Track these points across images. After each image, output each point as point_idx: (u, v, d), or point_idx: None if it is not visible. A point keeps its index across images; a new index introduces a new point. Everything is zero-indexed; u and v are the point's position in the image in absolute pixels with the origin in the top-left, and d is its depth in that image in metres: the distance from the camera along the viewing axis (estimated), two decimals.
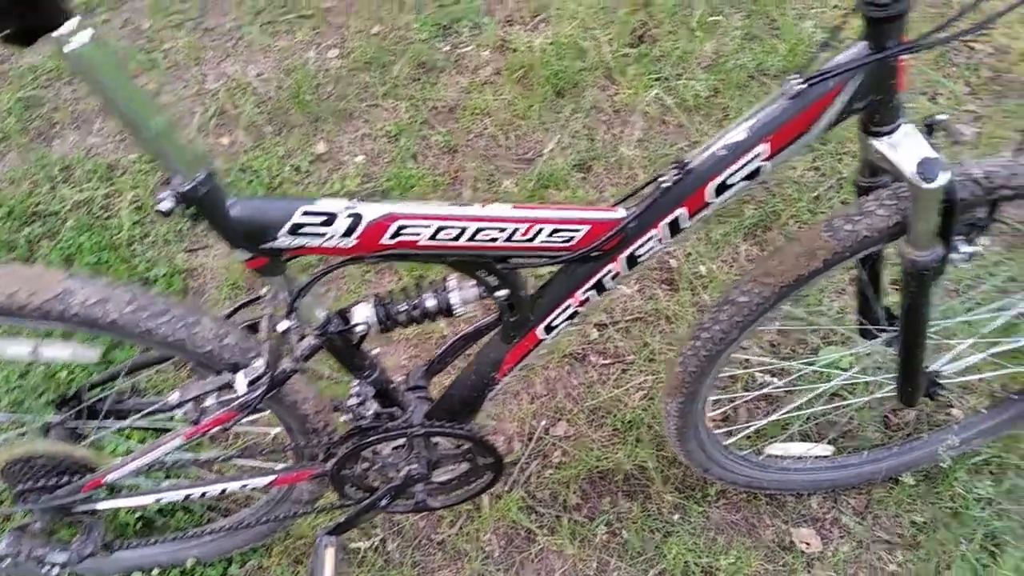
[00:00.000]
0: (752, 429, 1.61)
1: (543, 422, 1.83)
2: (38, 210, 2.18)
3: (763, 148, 0.97)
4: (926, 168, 0.94)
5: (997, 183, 1.02)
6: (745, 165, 0.98)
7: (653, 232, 1.05)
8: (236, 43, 2.73)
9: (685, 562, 1.61)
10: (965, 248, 1.08)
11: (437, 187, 2.17)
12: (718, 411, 1.72)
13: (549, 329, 1.18)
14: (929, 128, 1.01)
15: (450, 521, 1.69)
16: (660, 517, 1.68)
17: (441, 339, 1.92)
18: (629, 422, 1.79)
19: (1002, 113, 2.24)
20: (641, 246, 1.07)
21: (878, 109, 0.95)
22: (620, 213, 1.04)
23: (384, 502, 1.34)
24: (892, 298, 1.31)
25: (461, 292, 1.11)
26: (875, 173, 1.09)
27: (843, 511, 1.69)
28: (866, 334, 1.37)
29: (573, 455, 1.77)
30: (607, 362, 1.92)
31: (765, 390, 1.73)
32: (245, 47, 2.71)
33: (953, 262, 1.09)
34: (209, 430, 1.14)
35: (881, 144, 0.97)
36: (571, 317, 1.17)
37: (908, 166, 0.95)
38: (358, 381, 1.20)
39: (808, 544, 1.65)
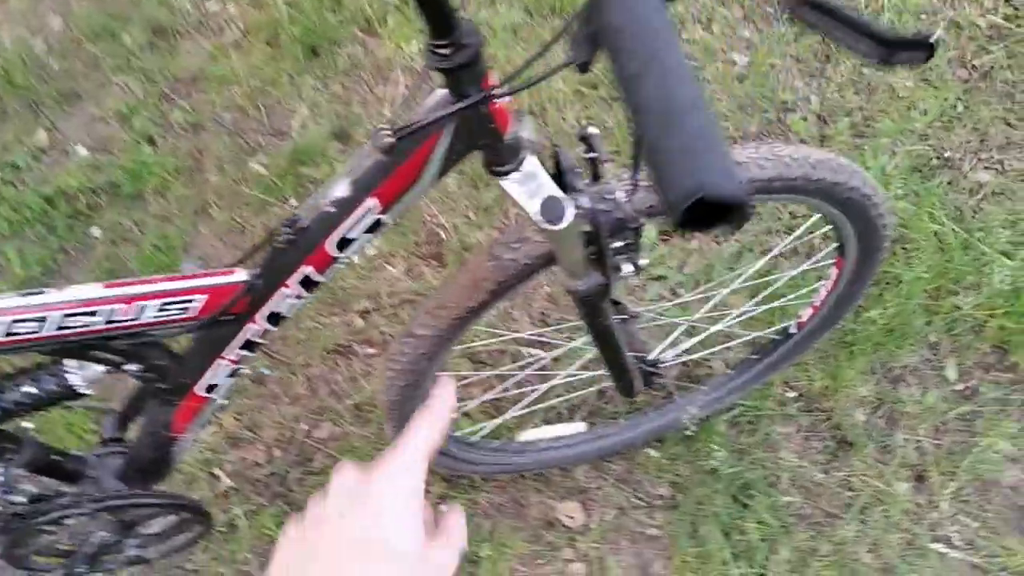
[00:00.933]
0: (494, 425, 1.58)
1: (303, 425, 1.75)
2: None
3: (372, 203, 0.87)
4: (549, 209, 0.87)
5: (638, 208, 0.96)
6: (360, 220, 0.88)
7: (285, 291, 0.95)
8: None
9: None
10: (627, 267, 1.03)
11: (179, 173, 1.97)
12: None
13: (211, 388, 1.08)
14: (584, 140, 0.94)
15: (204, 547, 1.62)
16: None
17: None
18: None
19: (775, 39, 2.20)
20: (278, 304, 0.96)
21: (492, 150, 0.86)
22: (241, 276, 0.94)
23: (81, 570, 1.24)
24: None
25: (83, 372, 0.98)
26: None
27: (606, 478, 1.71)
28: None
29: (336, 458, 1.71)
30: (373, 352, 1.84)
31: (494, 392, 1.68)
32: None
33: (619, 280, 1.04)
34: None
35: (506, 184, 0.89)
36: (233, 375, 1.07)
37: (532, 207, 0.88)
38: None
39: (572, 517, 1.67)
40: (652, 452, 1.72)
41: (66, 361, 0.98)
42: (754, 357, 1.60)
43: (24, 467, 1.09)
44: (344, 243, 0.90)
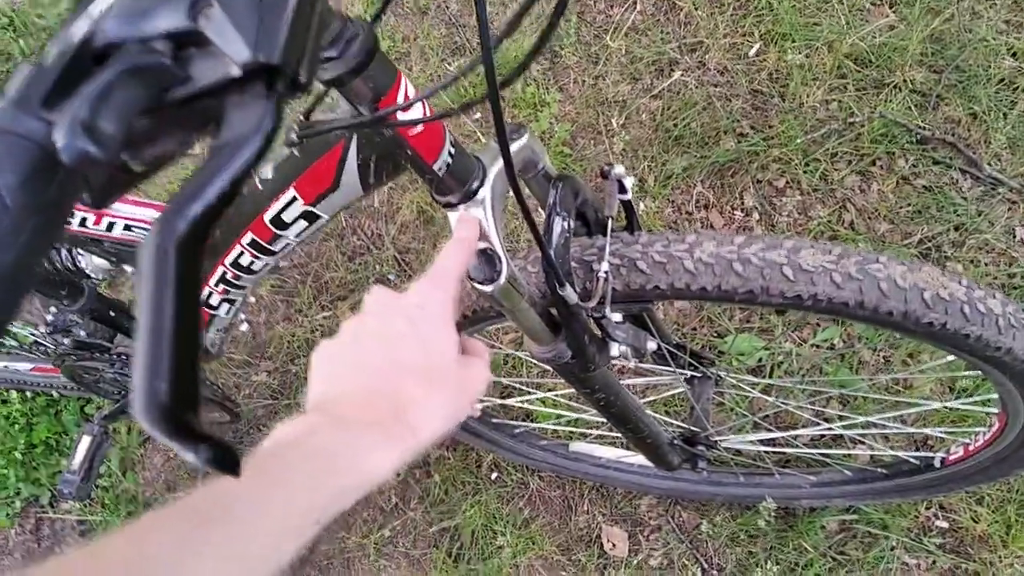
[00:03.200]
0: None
1: None
2: None
3: (294, 194, 0.75)
4: (477, 266, 0.69)
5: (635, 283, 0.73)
6: (288, 206, 0.78)
7: (239, 247, 0.88)
8: None
9: (477, 526, 1.53)
10: (619, 349, 0.81)
11: None
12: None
13: (209, 307, 1.07)
14: (605, 177, 0.73)
15: None
16: (477, 472, 1.59)
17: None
18: None
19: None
20: (239, 256, 0.91)
21: (423, 176, 0.69)
22: None
23: (129, 410, 1.38)
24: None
25: (91, 260, 1.03)
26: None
27: (670, 521, 1.50)
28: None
29: None
30: None
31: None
32: None
33: (606, 361, 0.83)
34: None
35: (452, 219, 0.71)
36: (228, 301, 1.05)
37: None
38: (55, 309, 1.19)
39: (614, 545, 1.50)
40: (733, 517, 1.46)
41: (79, 249, 1.03)
42: (881, 472, 1.24)
43: (79, 313, 1.20)
44: (280, 223, 0.80)
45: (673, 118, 1.77)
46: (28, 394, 1.79)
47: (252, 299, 1.76)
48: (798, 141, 1.68)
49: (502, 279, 0.68)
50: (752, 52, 1.81)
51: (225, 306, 1.07)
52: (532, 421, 1.46)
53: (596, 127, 1.81)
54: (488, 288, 0.68)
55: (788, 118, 1.71)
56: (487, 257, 0.68)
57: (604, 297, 0.72)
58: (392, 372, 0.51)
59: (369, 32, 0.55)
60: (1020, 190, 1.59)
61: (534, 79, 1.87)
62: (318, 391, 0.52)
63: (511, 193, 0.58)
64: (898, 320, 0.71)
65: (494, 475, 1.58)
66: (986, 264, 1.55)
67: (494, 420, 1.39)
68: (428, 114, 0.61)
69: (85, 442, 1.41)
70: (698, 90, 1.79)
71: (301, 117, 0.68)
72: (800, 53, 1.77)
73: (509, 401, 1.45)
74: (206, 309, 1.09)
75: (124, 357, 1.25)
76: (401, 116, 0.60)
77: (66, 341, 1.22)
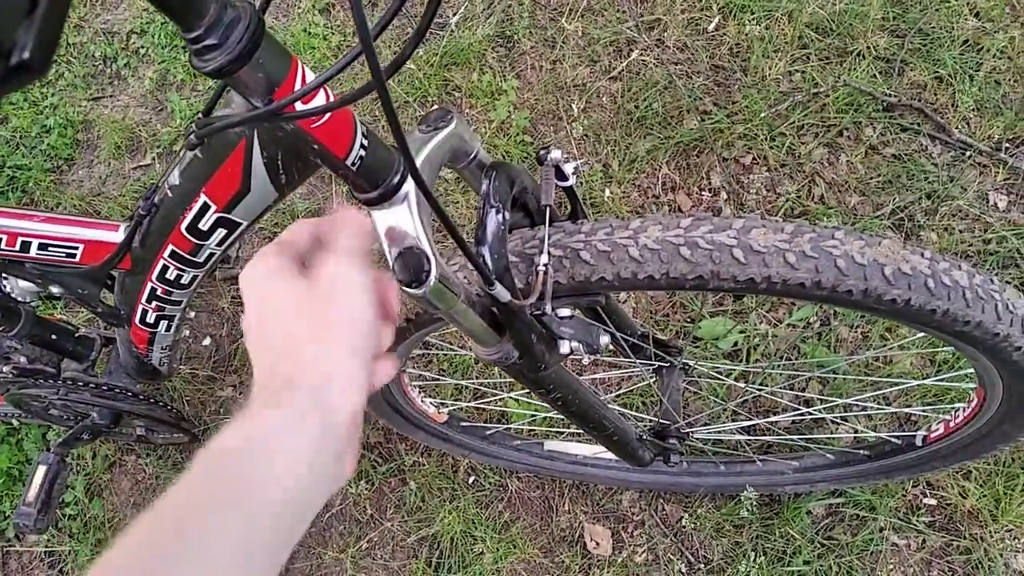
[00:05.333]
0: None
1: None
2: None
3: (206, 200, 0.70)
4: (404, 267, 0.63)
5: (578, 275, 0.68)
6: (202, 215, 0.72)
7: (163, 261, 0.83)
8: None
9: (456, 533, 1.48)
10: (570, 346, 0.76)
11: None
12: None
13: (149, 324, 1.02)
14: (541, 163, 0.68)
15: None
16: (454, 477, 1.53)
17: None
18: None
19: None
20: (165, 272, 0.85)
21: (337, 172, 0.63)
22: (118, 235, 0.84)
23: (86, 436, 1.32)
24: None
25: (17, 284, 0.98)
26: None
27: (653, 515, 1.46)
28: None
29: None
30: None
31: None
32: None
33: (556, 360, 0.78)
34: None
35: (374, 217, 0.66)
36: (165, 319, 1.00)
37: (391, 259, 0.65)
38: None
39: (598, 544, 1.46)
40: (717, 508, 1.42)
41: (3, 273, 0.97)
42: (864, 454, 1.20)
43: (18, 339, 1.14)
44: (198, 232, 0.75)
45: (634, 99, 1.72)
46: None
47: (192, 313, 1.70)
48: (762, 115, 1.63)
49: (432, 280, 0.63)
50: (711, 27, 1.76)
51: (163, 323, 1.02)
52: (505, 421, 1.42)
53: (556, 113, 1.75)
54: (418, 291, 0.63)
55: (751, 92, 1.67)
56: (415, 257, 0.63)
57: (544, 293, 0.67)
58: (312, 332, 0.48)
59: (253, 15, 0.49)
60: (990, 153, 1.55)
61: (490, 67, 1.81)
62: (263, 361, 0.49)
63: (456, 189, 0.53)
64: (858, 299, 0.67)
65: (471, 479, 1.53)
66: (960, 231, 1.51)
67: (463, 424, 1.34)
68: (331, 101, 0.56)
69: (40, 472, 1.36)
70: (658, 69, 1.74)
71: (200, 115, 0.63)
72: (760, 24, 1.72)
73: (476, 403, 1.40)
74: (145, 328, 1.03)
75: (70, 383, 1.19)
76: (299, 107, 0.55)
77: (5, 369, 1.17)
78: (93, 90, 2.05)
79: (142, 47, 2.05)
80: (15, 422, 1.73)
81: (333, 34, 1.94)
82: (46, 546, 1.66)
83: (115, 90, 2.04)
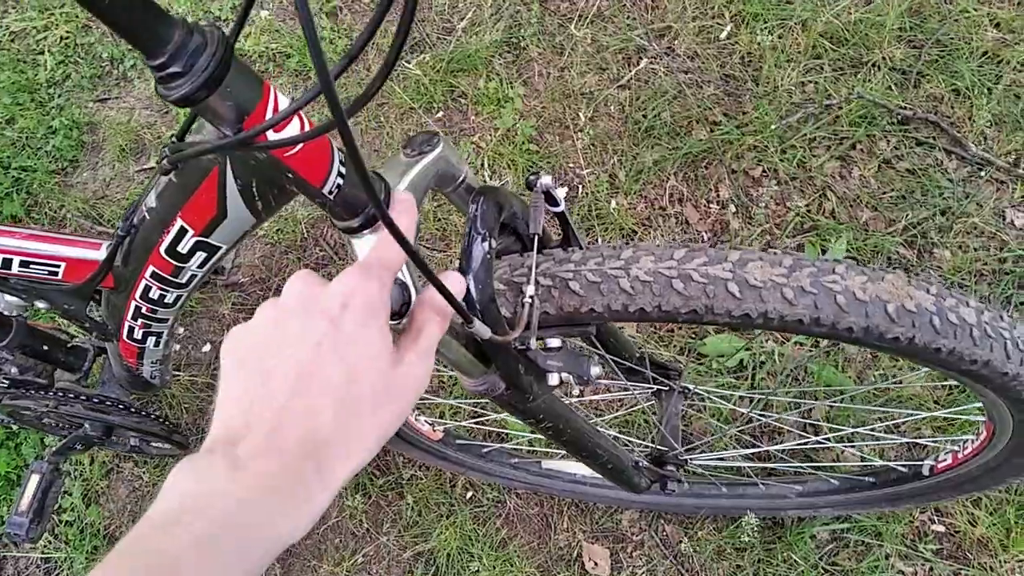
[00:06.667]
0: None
1: None
2: None
3: (183, 224, 0.67)
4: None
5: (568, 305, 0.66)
6: (180, 239, 0.70)
7: (145, 281, 0.81)
8: None
9: (452, 549, 1.46)
10: (559, 377, 0.73)
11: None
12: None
13: (136, 340, 1.00)
14: (530, 188, 0.66)
15: None
16: (451, 492, 1.51)
17: None
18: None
19: None
20: (148, 291, 0.83)
21: (321, 202, 0.61)
22: (99, 254, 0.82)
23: (79, 447, 1.31)
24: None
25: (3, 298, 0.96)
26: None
27: (653, 536, 1.42)
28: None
29: None
30: None
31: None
32: None
33: (545, 391, 0.75)
34: None
35: (354, 246, 0.63)
36: (153, 334, 0.98)
37: None
38: None
39: (596, 564, 1.43)
40: (718, 530, 1.39)
41: None
42: (869, 481, 1.17)
43: (8, 350, 1.13)
44: (177, 255, 0.73)
45: (642, 108, 1.69)
46: None
47: (181, 330, 1.69)
48: (773, 127, 1.60)
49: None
50: (723, 35, 1.72)
51: (151, 339, 1.00)
52: (502, 438, 1.39)
53: (563, 121, 1.72)
54: (397, 324, 0.61)
55: (762, 103, 1.63)
56: (394, 288, 0.60)
57: (530, 325, 0.65)
58: (307, 396, 0.43)
59: (220, 40, 0.47)
60: (1008, 169, 1.51)
61: (497, 73, 1.78)
62: (227, 415, 0.44)
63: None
64: (860, 336, 0.64)
65: (469, 494, 1.51)
66: (975, 249, 1.47)
67: (459, 442, 1.32)
68: (303, 132, 0.53)
69: (34, 480, 1.34)
70: (667, 78, 1.70)
71: (173, 139, 0.60)
72: (773, 34, 1.68)
73: (472, 422, 1.37)
74: (133, 343, 1.01)
75: (61, 395, 1.18)
76: (271, 136, 0.52)
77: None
78: (99, 91, 2.04)
79: None
80: (13, 427, 1.73)
81: (340, 38, 1.91)
82: (42, 552, 1.65)
83: (121, 92, 2.03)
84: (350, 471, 0.44)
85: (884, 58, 1.63)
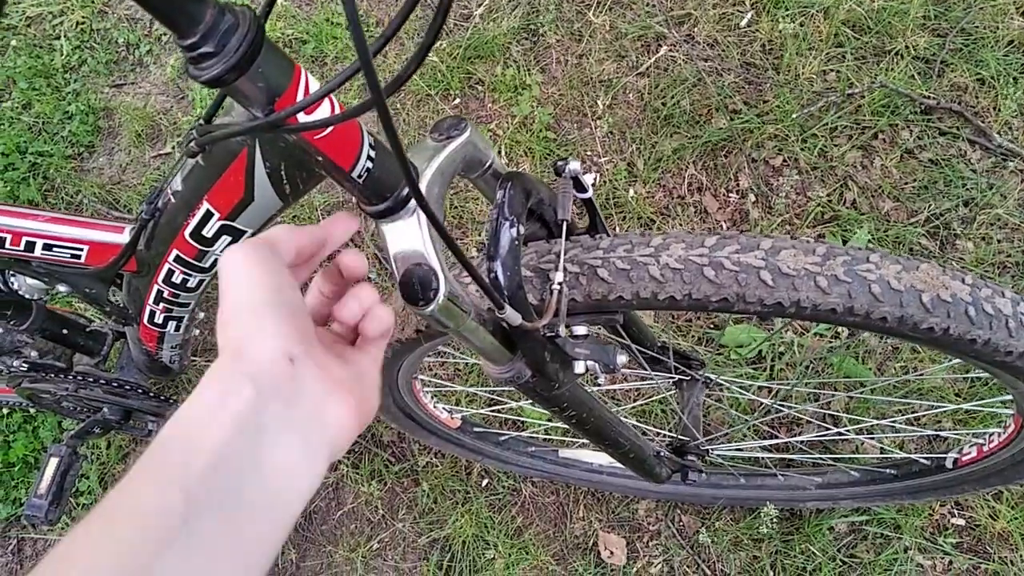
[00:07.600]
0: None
1: None
2: None
3: (209, 207, 0.67)
4: (409, 283, 0.60)
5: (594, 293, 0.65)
6: (206, 222, 0.69)
7: (168, 265, 0.81)
8: None
9: (468, 536, 1.46)
10: (584, 365, 0.72)
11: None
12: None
13: (157, 324, 1.00)
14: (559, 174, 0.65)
15: None
16: (467, 480, 1.51)
17: None
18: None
19: None
20: (172, 276, 0.83)
21: (344, 184, 0.60)
22: (122, 238, 0.81)
23: (97, 430, 1.31)
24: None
25: (24, 281, 0.97)
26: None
27: (670, 526, 1.42)
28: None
29: None
30: None
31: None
32: None
33: (570, 379, 0.74)
34: None
35: (383, 231, 0.62)
36: (173, 318, 0.98)
37: (397, 275, 0.62)
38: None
39: (612, 553, 1.43)
40: (736, 521, 1.38)
41: (10, 271, 0.96)
42: (890, 473, 1.16)
43: (28, 333, 1.13)
44: (202, 239, 0.72)
45: (661, 96, 1.67)
46: (4, 411, 1.74)
47: (201, 314, 1.69)
48: (794, 116, 1.58)
49: (440, 298, 0.60)
50: (743, 22, 1.71)
51: (171, 323, 1.00)
52: (519, 427, 1.39)
53: (581, 109, 1.71)
54: (425, 309, 0.60)
55: (783, 91, 1.61)
56: (422, 273, 0.60)
57: (559, 312, 0.64)
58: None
59: (252, 21, 0.46)
60: None
61: (514, 60, 1.77)
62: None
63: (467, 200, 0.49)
64: (893, 326, 0.63)
65: (484, 482, 1.51)
66: (999, 241, 1.45)
67: (476, 429, 1.31)
68: (334, 114, 0.53)
69: (52, 464, 1.35)
70: (687, 65, 1.69)
71: (200, 122, 0.60)
72: (794, 21, 1.66)
73: (490, 410, 1.37)
74: (154, 327, 1.01)
75: (80, 378, 1.18)
76: (301, 118, 0.52)
77: (16, 363, 1.16)
78: (115, 77, 2.04)
79: (165, 34, 2.04)
80: (32, 409, 1.74)
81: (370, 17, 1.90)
82: (60, 534, 1.66)
83: (137, 77, 2.03)
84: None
85: (907, 47, 1.61)
